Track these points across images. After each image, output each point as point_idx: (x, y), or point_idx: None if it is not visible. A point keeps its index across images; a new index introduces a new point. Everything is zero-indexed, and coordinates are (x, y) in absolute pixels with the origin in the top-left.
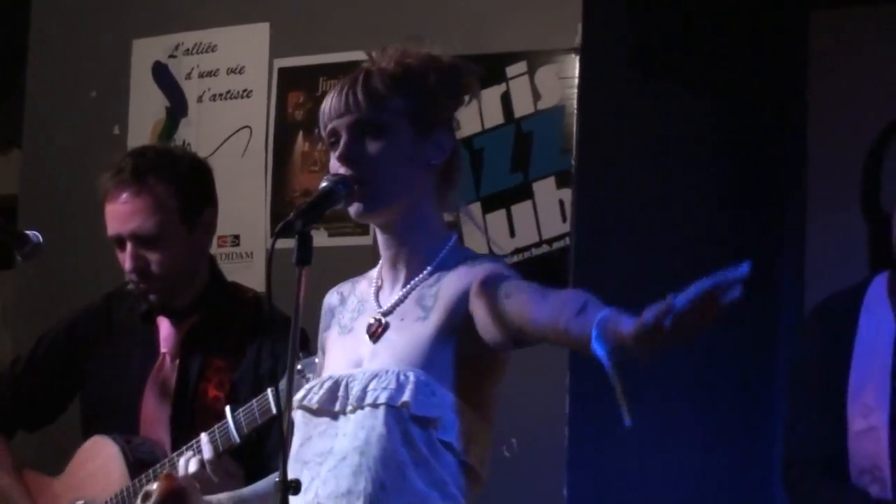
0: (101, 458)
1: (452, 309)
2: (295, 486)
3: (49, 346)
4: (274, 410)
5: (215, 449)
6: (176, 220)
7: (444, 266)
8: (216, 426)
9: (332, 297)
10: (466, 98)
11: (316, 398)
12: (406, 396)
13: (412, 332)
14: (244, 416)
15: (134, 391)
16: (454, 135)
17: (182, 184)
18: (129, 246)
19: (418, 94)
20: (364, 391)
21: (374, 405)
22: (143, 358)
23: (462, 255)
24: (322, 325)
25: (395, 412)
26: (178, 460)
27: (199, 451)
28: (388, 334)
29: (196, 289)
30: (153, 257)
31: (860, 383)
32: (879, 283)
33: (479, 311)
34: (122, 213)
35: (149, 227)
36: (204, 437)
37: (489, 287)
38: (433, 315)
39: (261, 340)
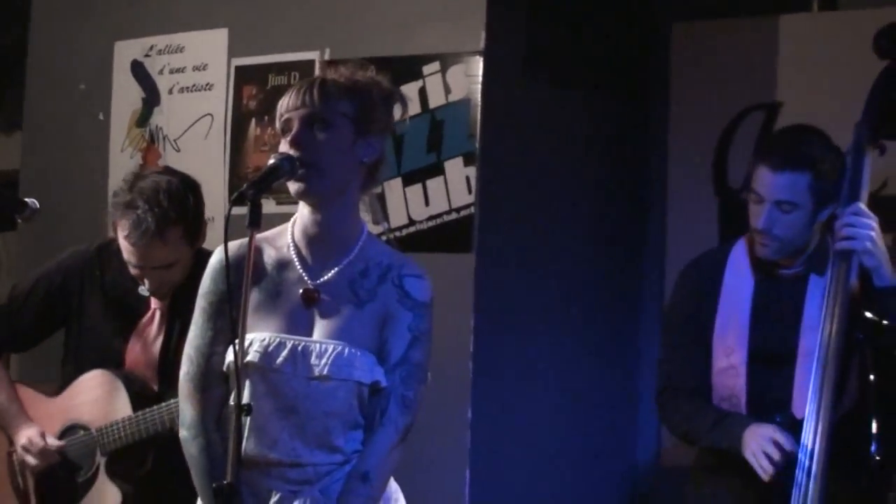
0: (102, 389)
1: (381, 315)
2: (247, 410)
3: (46, 290)
4: None
5: None
6: (185, 247)
7: (368, 257)
8: None
9: (227, 254)
10: (396, 118)
11: (279, 360)
12: (369, 373)
13: (356, 315)
14: None
15: (120, 337)
16: (383, 143)
17: (189, 220)
18: (149, 272)
19: (362, 103)
20: (327, 363)
21: (343, 379)
22: (130, 308)
23: (379, 248)
24: (220, 281)
25: (357, 385)
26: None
27: None
28: (326, 308)
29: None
30: (166, 276)
31: (723, 328)
32: (740, 246)
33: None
34: (143, 255)
35: (167, 261)
36: None
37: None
38: (368, 307)
39: None
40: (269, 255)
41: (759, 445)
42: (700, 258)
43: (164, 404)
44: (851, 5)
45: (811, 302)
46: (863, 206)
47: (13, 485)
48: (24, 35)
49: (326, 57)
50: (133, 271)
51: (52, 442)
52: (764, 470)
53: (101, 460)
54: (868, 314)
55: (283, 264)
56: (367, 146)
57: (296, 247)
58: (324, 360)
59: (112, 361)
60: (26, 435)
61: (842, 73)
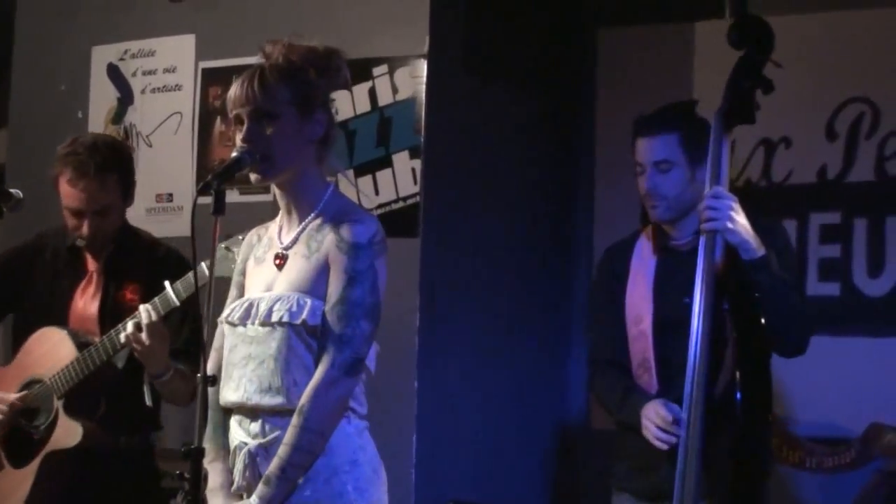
0: (49, 343)
1: (325, 262)
2: (213, 381)
3: None
4: (206, 280)
5: (157, 312)
6: (119, 197)
7: (327, 212)
8: (156, 298)
9: (252, 236)
10: (339, 78)
11: (237, 315)
12: (304, 315)
13: (304, 266)
14: (182, 284)
15: (64, 299)
16: (330, 111)
17: (123, 171)
18: (87, 217)
19: (301, 85)
20: (270, 311)
21: (280, 323)
22: (70, 277)
23: (340, 203)
24: (242, 257)
25: (296, 328)
26: (120, 328)
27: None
28: (287, 265)
29: (114, 232)
30: (102, 223)
31: (633, 301)
32: (649, 228)
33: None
34: (83, 197)
35: (104, 203)
36: (142, 307)
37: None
38: (314, 256)
39: (158, 269)
40: (265, 233)
41: (651, 421)
42: (611, 246)
43: (98, 340)
44: (760, 13)
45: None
46: (722, 188)
47: None
48: (9, 39)
49: None
50: (71, 223)
51: (11, 396)
52: (659, 442)
53: (58, 404)
54: (731, 284)
55: (270, 238)
56: (313, 124)
57: (279, 221)
58: (261, 309)
59: (57, 322)
60: None
61: None
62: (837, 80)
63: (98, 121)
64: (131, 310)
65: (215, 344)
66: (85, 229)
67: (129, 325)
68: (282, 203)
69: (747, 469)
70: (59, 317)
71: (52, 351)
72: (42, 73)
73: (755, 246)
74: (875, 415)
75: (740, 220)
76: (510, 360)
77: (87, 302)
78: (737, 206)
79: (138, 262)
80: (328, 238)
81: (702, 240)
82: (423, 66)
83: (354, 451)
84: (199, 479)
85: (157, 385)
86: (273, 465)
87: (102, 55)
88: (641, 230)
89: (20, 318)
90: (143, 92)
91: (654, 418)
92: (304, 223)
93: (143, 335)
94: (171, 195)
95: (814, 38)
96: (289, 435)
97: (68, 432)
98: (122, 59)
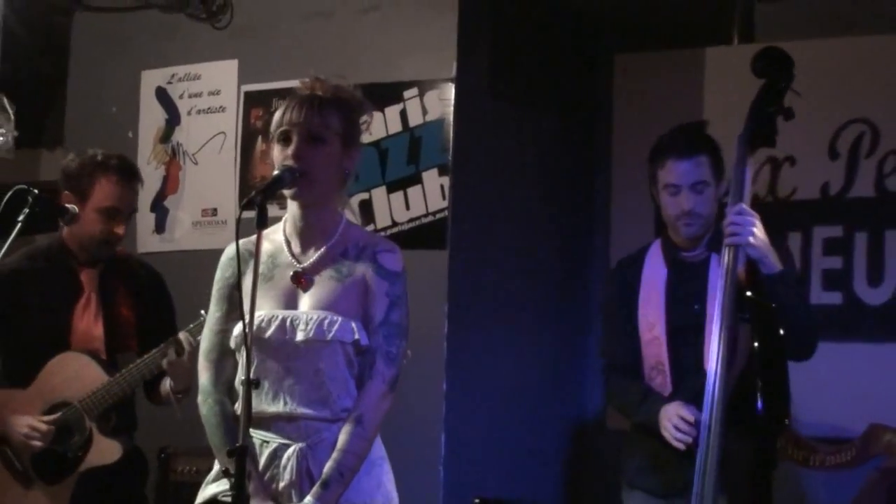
0: (73, 367)
1: (361, 286)
2: (256, 383)
3: None
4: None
5: (194, 338)
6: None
7: (348, 239)
8: (192, 324)
9: (242, 252)
10: (363, 123)
11: (270, 331)
12: (356, 335)
13: (336, 287)
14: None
15: (63, 319)
16: (360, 152)
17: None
18: (124, 218)
19: (347, 118)
20: (321, 329)
21: (333, 340)
22: (66, 296)
23: (357, 231)
24: (230, 271)
25: (342, 345)
26: (157, 354)
27: (175, 344)
28: (315, 286)
29: None
30: (126, 228)
31: (645, 308)
32: (656, 244)
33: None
34: (132, 196)
35: (135, 209)
36: (182, 335)
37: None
38: (347, 280)
39: (141, 283)
40: (265, 248)
41: (670, 422)
42: (623, 259)
43: (132, 365)
44: (766, 39)
45: (714, 278)
46: (745, 206)
47: (10, 471)
48: (64, 66)
49: None
50: (102, 226)
51: (47, 421)
52: (678, 441)
53: (91, 424)
54: (752, 296)
55: (275, 254)
56: (350, 159)
57: (286, 239)
58: (309, 326)
59: (58, 343)
60: (23, 424)
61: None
62: (839, 103)
63: (147, 140)
64: (129, 325)
65: (206, 345)
66: (122, 230)
67: (172, 353)
68: (300, 222)
69: (766, 469)
70: (57, 337)
71: (78, 375)
72: (95, 96)
73: (774, 261)
74: (875, 416)
75: (761, 236)
76: (531, 365)
77: (89, 322)
78: (759, 223)
79: (125, 278)
80: (363, 264)
81: (723, 252)
82: (451, 90)
83: (379, 448)
84: (244, 476)
85: (173, 396)
86: (330, 469)
87: (151, 79)
88: (649, 245)
89: (8, 338)
90: (189, 113)
91: (674, 419)
92: (324, 247)
93: (185, 359)
94: (215, 210)
95: (817, 62)
96: (347, 442)
97: (105, 451)
98: (169, 83)
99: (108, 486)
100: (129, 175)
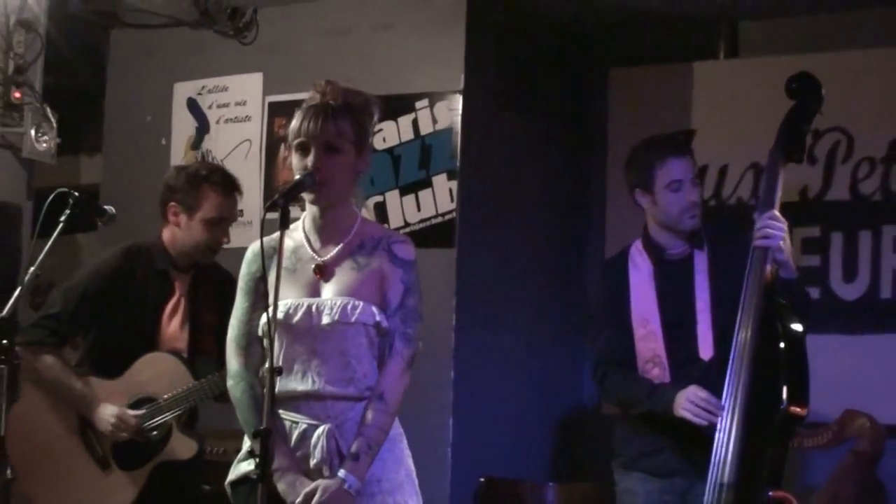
0: (161, 366)
1: (378, 275)
2: (280, 371)
3: (90, 297)
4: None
5: None
6: None
7: (365, 234)
8: None
9: (262, 246)
10: (375, 121)
11: (298, 317)
12: (371, 317)
13: (356, 276)
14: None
15: (153, 321)
16: (372, 152)
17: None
18: (228, 225)
19: (359, 124)
20: (346, 312)
21: (357, 322)
22: (159, 299)
23: (372, 226)
24: (256, 265)
25: (365, 327)
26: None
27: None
28: (335, 276)
29: None
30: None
31: (637, 305)
32: (635, 246)
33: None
34: (236, 205)
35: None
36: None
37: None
38: (365, 269)
39: (223, 290)
40: (287, 244)
41: (691, 402)
42: (608, 262)
43: (218, 374)
44: (750, 54)
45: (699, 273)
46: (776, 212)
47: (90, 453)
48: (102, 78)
49: None
50: (209, 235)
51: (135, 413)
52: (701, 418)
53: (171, 421)
54: (780, 300)
55: (297, 249)
56: (363, 161)
57: (306, 236)
58: (334, 310)
59: (146, 342)
60: (111, 414)
61: (743, 108)
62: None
63: (179, 147)
64: (211, 330)
65: (234, 333)
66: (228, 236)
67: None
68: (319, 221)
69: (781, 453)
70: (147, 335)
71: (165, 374)
72: (131, 106)
73: (793, 266)
74: (849, 402)
75: (788, 243)
76: (533, 354)
77: (176, 326)
78: (787, 229)
79: (212, 285)
80: (379, 255)
81: (751, 253)
82: (459, 101)
83: (397, 426)
84: (268, 457)
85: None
86: (359, 443)
87: (183, 91)
88: (629, 247)
89: (101, 335)
90: (217, 122)
91: (696, 400)
92: (343, 242)
93: None
94: (241, 211)
95: None
96: (372, 417)
97: (183, 446)
98: (199, 94)
99: (179, 481)
100: (231, 187)
